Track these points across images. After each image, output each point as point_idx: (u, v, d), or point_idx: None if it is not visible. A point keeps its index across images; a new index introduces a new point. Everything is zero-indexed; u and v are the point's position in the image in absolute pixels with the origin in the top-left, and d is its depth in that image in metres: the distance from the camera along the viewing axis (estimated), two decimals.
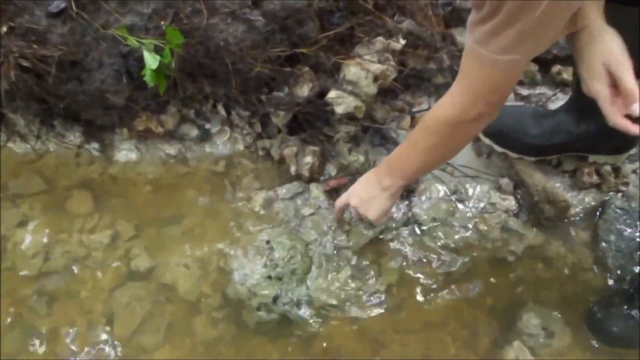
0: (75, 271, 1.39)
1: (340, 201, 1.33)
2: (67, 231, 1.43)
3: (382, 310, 1.34)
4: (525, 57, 0.88)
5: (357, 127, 1.50)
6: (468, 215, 1.46)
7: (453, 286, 1.37)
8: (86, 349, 1.29)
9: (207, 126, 1.59)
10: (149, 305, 1.34)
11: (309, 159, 1.48)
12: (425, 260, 1.41)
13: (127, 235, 1.44)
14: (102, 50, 1.41)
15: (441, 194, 1.49)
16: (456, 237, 1.43)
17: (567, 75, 1.58)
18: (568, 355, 1.29)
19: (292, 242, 1.39)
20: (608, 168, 1.45)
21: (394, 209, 1.43)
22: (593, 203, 1.45)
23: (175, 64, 1.37)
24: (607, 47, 0.92)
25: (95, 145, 1.57)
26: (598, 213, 1.44)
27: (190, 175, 1.55)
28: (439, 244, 1.43)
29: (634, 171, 1.47)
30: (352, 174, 1.49)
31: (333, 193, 1.48)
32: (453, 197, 1.48)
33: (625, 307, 1.27)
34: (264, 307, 1.33)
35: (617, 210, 1.42)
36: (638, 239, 1.38)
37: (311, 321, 1.32)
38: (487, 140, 1.49)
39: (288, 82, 1.47)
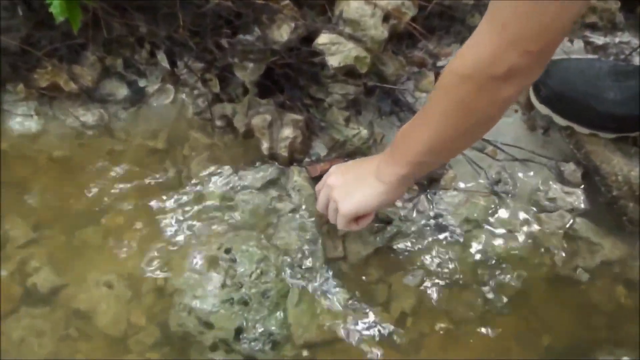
0: None
1: (321, 183, 1.36)
2: None
3: (392, 351, 1.34)
4: None
5: (358, 87, 1.49)
6: (516, 215, 1.46)
7: (494, 317, 1.36)
8: None
9: (142, 83, 1.59)
10: (52, 343, 1.32)
11: (288, 132, 1.48)
12: (453, 278, 1.41)
13: (21, 239, 1.43)
14: None
15: (478, 184, 1.50)
16: (499, 246, 1.43)
17: None
18: None
19: (263, 252, 1.39)
20: None
21: (399, 206, 1.46)
22: None
23: None
24: None
25: None
26: None
27: (116, 153, 1.54)
28: (474, 256, 1.44)
29: None
30: (349, 155, 1.51)
31: None
32: (495, 189, 1.49)
33: None
34: (222, 344, 1.31)
35: None
36: None
37: None
38: (543, 109, 1.49)
39: (260, 21, 1.45)
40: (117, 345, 1.32)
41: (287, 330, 1.33)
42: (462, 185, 1.48)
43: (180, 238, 1.44)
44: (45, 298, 1.36)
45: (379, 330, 1.34)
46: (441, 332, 1.34)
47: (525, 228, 1.44)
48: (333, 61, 1.43)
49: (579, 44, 1.60)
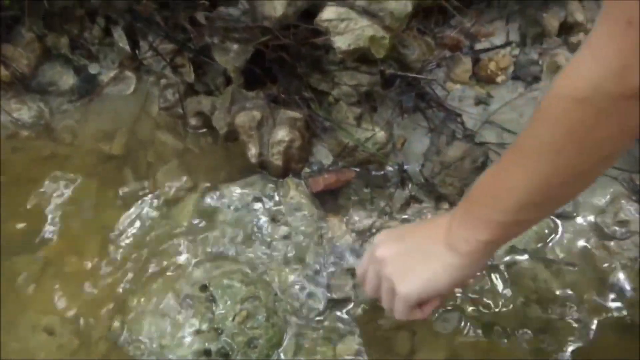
0: None
1: (368, 258, 1.27)
2: None
3: None
4: None
5: (373, 76, 1.50)
6: (577, 243, 1.46)
7: None
8: None
9: (93, 69, 1.62)
10: None
11: (282, 133, 1.49)
12: (497, 324, 1.40)
13: None
14: None
15: None
16: (553, 282, 1.43)
17: None
18: None
19: (250, 289, 1.41)
20: None
21: None
22: None
23: None
24: None
25: None
26: None
27: (60, 160, 1.57)
28: (522, 294, 1.42)
29: None
30: (362, 163, 1.50)
31: (328, 198, 1.52)
32: None
33: None
34: None
35: None
36: None
37: None
38: None
39: None
40: None
41: None
42: None
43: (141, 270, 1.43)
44: None
45: None
46: None
47: (587, 260, 1.44)
48: (341, 43, 1.42)
49: None
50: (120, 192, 1.52)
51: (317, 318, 1.40)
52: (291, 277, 1.42)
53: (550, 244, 1.46)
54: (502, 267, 1.44)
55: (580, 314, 1.41)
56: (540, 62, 1.56)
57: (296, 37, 1.45)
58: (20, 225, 1.48)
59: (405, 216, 1.47)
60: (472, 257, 1.12)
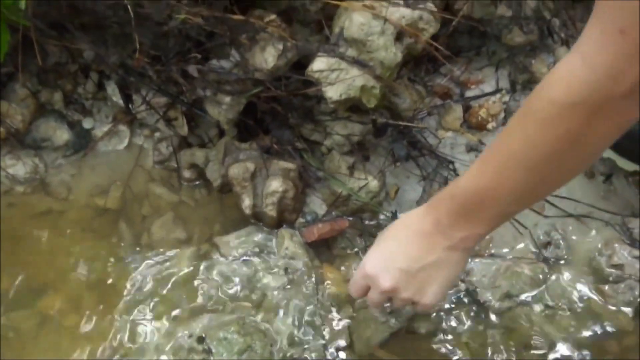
0: None
1: (357, 282, 1.30)
2: None
3: None
4: None
5: (365, 125, 1.50)
6: (572, 287, 1.46)
7: None
8: None
9: (87, 124, 1.61)
10: None
11: (276, 184, 1.49)
12: None
13: None
14: None
15: (520, 247, 1.50)
16: (549, 327, 1.42)
17: None
18: None
19: (247, 340, 1.39)
20: None
21: None
22: None
23: (30, 7, 1.36)
24: None
25: None
26: None
27: (55, 215, 1.56)
28: (518, 341, 1.42)
29: None
30: (355, 212, 1.52)
31: (322, 248, 1.51)
32: (544, 254, 1.49)
33: None
34: None
35: None
36: None
37: None
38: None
39: (238, 42, 1.45)
40: None
41: None
42: (501, 249, 1.49)
43: (138, 324, 1.42)
44: None
45: None
46: None
47: (583, 304, 1.43)
48: (332, 93, 1.41)
49: None
50: (116, 246, 1.50)
51: None
52: (287, 327, 1.41)
53: (546, 288, 1.45)
54: (491, 312, 1.44)
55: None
56: None
57: (288, 88, 1.46)
58: (17, 281, 1.46)
59: None
60: (472, 248, 1.22)
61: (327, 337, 1.41)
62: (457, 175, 1.52)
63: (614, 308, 1.43)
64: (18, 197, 1.56)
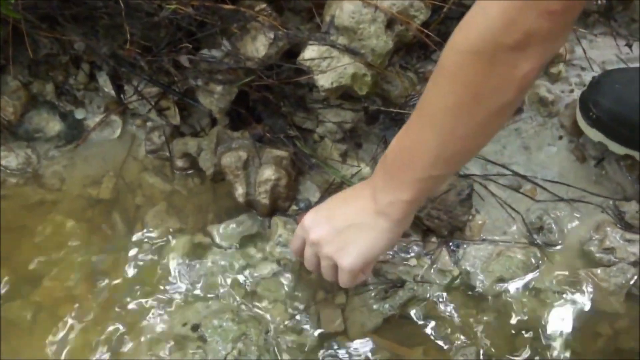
0: None
1: (296, 235, 1.35)
2: None
3: None
4: None
5: (357, 112, 1.51)
6: (564, 271, 1.46)
7: None
8: None
9: (79, 114, 1.61)
10: None
11: (269, 172, 1.48)
12: (487, 354, 1.38)
13: None
14: None
15: (512, 230, 1.50)
16: (542, 311, 1.43)
17: None
18: None
19: (241, 327, 1.39)
20: None
21: (414, 264, 1.46)
22: None
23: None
24: None
25: None
26: None
27: (48, 206, 1.55)
28: (510, 325, 1.42)
29: None
30: None
31: None
32: (536, 239, 1.48)
33: None
34: None
35: None
36: None
37: None
38: (595, 135, 1.48)
39: (229, 32, 1.44)
40: None
41: None
42: (493, 234, 1.48)
43: (132, 313, 1.42)
44: None
45: None
46: None
47: (575, 288, 1.43)
48: (324, 81, 1.42)
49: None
50: (109, 236, 1.51)
51: (309, 354, 1.38)
52: (281, 313, 1.41)
53: (538, 272, 1.45)
54: (489, 295, 1.43)
55: (568, 343, 1.39)
56: None
57: (279, 76, 1.46)
58: (11, 272, 1.46)
59: (391, 253, 1.47)
60: (399, 218, 1.21)
61: (321, 323, 1.40)
62: None
63: (606, 291, 1.43)
64: (11, 188, 1.56)
